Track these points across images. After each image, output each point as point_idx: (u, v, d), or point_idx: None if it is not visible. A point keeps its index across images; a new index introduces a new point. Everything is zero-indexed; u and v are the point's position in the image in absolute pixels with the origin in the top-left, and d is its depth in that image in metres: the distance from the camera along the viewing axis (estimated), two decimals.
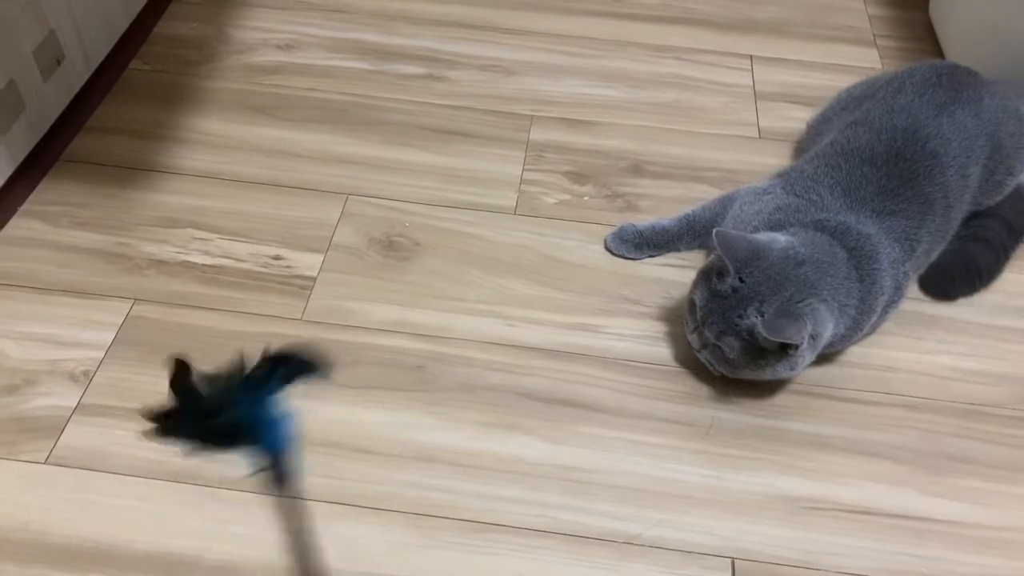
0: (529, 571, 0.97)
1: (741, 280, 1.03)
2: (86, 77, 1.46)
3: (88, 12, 1.44)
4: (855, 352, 1.18)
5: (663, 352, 1.17)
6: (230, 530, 0.98)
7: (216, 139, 1.42)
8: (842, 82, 1.48)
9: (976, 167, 1.21)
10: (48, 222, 1.29)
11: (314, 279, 1.23)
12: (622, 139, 1.47)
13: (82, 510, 0.99)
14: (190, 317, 1.18)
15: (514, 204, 1.35)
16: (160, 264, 1.24)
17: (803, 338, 1.01)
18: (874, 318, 1.11)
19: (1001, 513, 1.03)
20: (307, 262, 1.25)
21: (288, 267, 1.24)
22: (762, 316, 1.01)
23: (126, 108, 1.47)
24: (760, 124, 1.51)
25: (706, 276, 1.08)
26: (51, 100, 1.38)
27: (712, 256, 1.10)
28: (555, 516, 1.01)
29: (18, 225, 1.28)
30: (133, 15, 1.58)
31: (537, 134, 1.47)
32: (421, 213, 1.33)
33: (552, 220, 1.33)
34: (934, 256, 1.23)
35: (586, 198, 1.37)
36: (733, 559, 0.98)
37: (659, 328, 1.20)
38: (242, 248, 1.26)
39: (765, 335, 1.00)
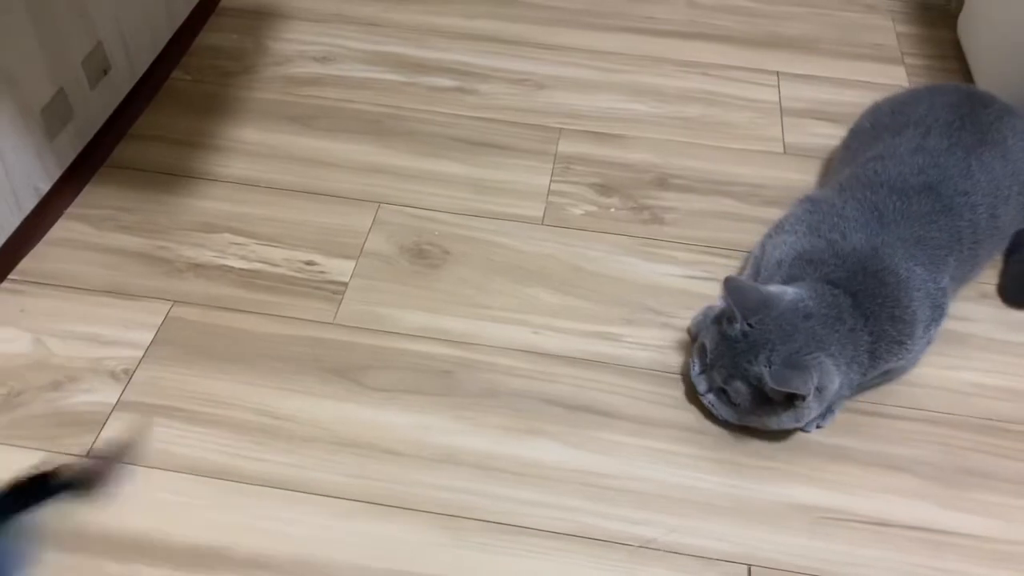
0: (548, 572, 0.99)
1: (750, 326, 1.04)
2: (130, 86, 1.52)
3: (134, 24, 1.50)
4: None
5: (674, 361, 1.19)
6: (261, 525, 1.02)
7: (253, 148, 1.47)
8: (869, 100, 1.49)
9: (1005, 207, 1.21)
10: (92, 225, 1.34)
11: (346, 284, 1.27)
12: (648, 152, 1.50)
13: (122, 502, 1.03)
14: (227, 319, 1.22)
15: (541, 215, 1.38)
16: (198, 268, 1.28)
17: (809, 390, 1.01)
18: (913, 343, 1.10)
19: (1020, 528, 1.04)
20: (340, 268, 1.29)
21: (321, 272, 1.28)
22: (770, 366, 1.02)
23: (167, 116, 1.53)
24: (786, 140, 1.53)
25: (717, 321, 1.09)
26: (97, 108, 1.43)
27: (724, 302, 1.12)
28: (574, 519, 1.04)
29: (64, 227, 1.33)
30: (175, 27, 1.64)
31: (565, 147, 1.50)
32: (451, 222, 1.37)
33: (579, 231, 1.36)
34: (960, 289, 1.24)
35: (612, 210, 1.39)
36: (750, 566, 1.00)
37: (682, 339, 1.22)
38: (277, 253, 1.30)
39: (772, 385, 1.01)
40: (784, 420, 1.06)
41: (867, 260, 1.10)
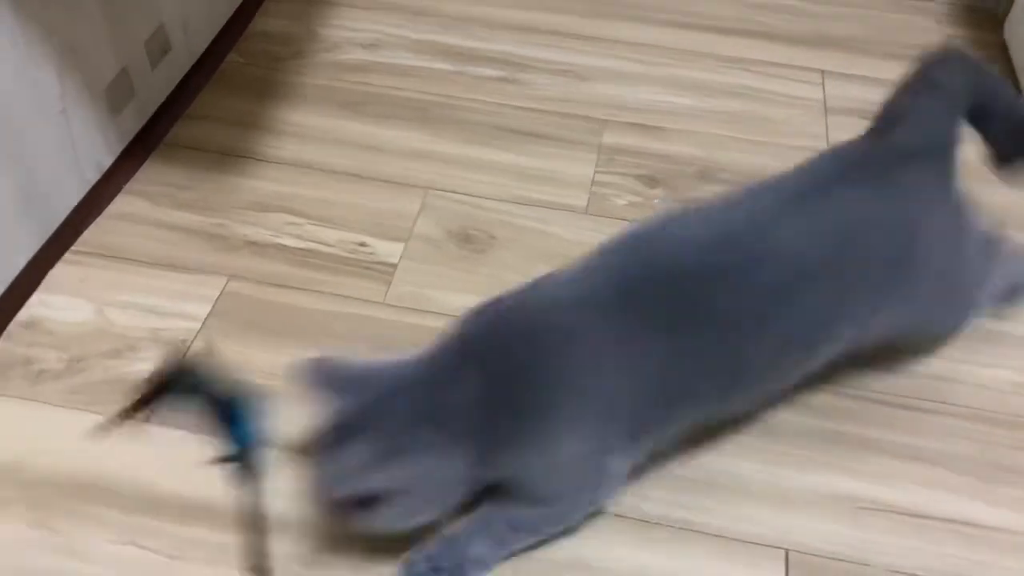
0: (589, 548, 1.02)
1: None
2: (188, 67, 1.56)
3: (194, 7, 1.54)
4: (916, 361, 1.21)
5: None
6: None
7: (305, 131, 1.51)
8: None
9: (860, 282, 0.95)
10: (151, 201, 1.38)
11: (395, 266, 1.30)
12: (692, 146, 1.52)
13: (182, 467, 1.07)
14: (280, 296, 1.26)
15: (585, 204, 1.41)
16: (254, 245, 1.32)
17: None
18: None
19: None
20: (389, 250, 1.32)
21: (371, 254, 1.32)
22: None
23: (223, 98, 1.57)
24: (830, 138, 1.54)
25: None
26: (157, 88, 1.48)
27: None
28: (616, 499, 1.06)
29: (124, 202, 1.38)
30: (231, 11, 1.68)
31: (609, 138, 1.52)
32: (496, 209, 1.40)
33: (622, 220, 1.38)
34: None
35: (656, 201, 1.42)
36: (787, 550, 1.02)
37: None
38: (330, 234, 1.34)
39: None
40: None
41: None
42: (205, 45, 1.60)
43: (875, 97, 1.64)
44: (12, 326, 1.21)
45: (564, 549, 1.01)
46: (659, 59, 1.68)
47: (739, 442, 1.12)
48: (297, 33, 1.71)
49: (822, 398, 1.16)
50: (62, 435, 1.10)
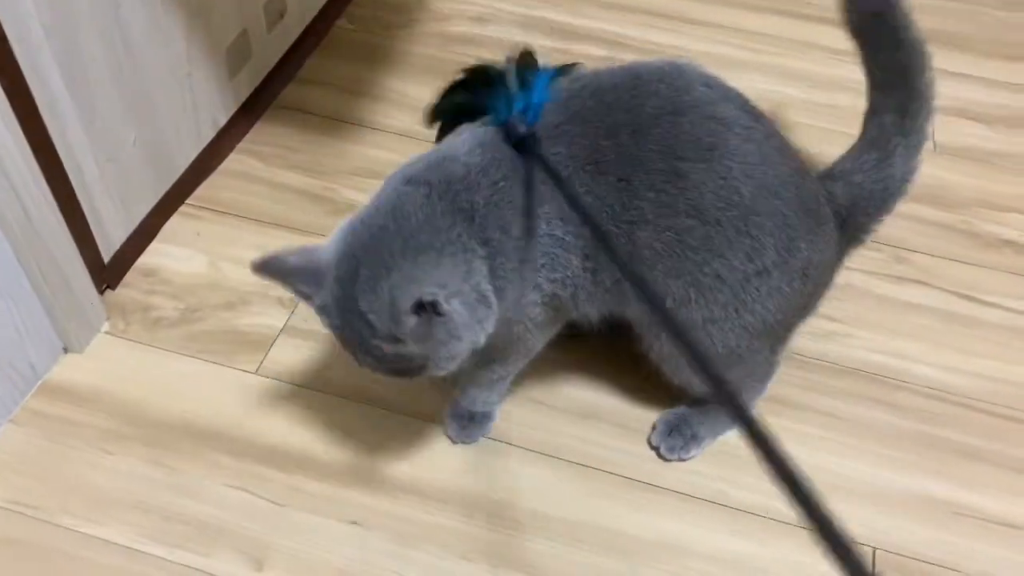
0: (679, 530, 1.04)
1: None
2: (299, 31, 1.59)
3: None
4: (1018, 372, 1.20)
5: (829, 349, 1.21)
6: (411, 452, 1.10)
7: (412, 101, 1.53)
8: None
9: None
10: (262, 160, 1.43)
11: None
12: (800, 137, 1.50)
13: (285, 417, 1.12)
14: None
15: None
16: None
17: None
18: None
19: None
20: None
21: None
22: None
23: (332, 63, 1.60)
24: (936, 138, 1.52)
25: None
26: (271, 50, 1.52)
27: None
28: (708, 485, 1.08)
29: (236, 160, 1.43)
30: None
31: None
32: None
33: None
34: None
35: None
36: (875, 548, 1.03)
37: (827, 327, 1.24)
38: None
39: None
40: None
41: None
42: (316, 9, 1.63)
43: (981, 96, 1.61)
44: (131, 273, 1.27)
45: (651, 530, 1.04)
46: (768, 48, 1.67)
47: (832, 439, 1.13)
48: (405, 2, 1.73)
49: (919, 401, 1.16)
50: (177, 380, 1.16)
